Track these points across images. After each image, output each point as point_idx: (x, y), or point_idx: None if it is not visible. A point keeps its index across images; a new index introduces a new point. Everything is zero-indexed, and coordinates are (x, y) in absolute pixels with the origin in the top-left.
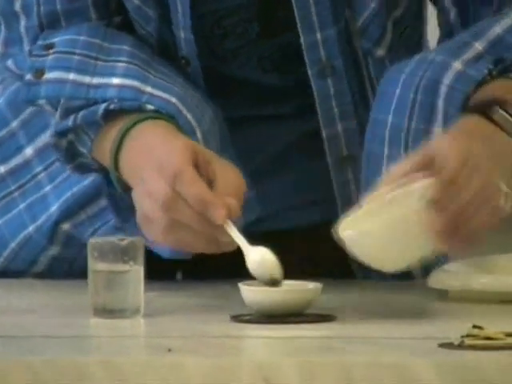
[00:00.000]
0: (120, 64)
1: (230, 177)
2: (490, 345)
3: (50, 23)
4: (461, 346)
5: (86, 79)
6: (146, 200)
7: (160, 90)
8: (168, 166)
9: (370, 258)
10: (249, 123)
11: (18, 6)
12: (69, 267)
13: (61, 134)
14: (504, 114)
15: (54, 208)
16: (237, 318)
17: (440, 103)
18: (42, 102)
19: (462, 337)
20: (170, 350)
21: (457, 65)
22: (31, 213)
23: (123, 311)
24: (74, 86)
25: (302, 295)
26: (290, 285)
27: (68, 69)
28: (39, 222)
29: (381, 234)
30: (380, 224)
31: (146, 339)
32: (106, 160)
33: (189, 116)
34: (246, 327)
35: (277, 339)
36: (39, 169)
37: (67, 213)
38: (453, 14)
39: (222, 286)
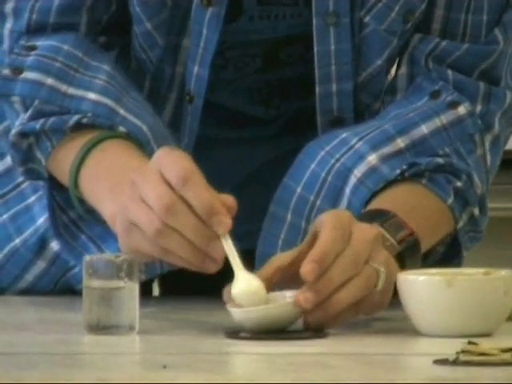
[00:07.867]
0: (98, 81)
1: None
2: (485, 361)
3: (37, 30)
4: (456, 363)
5: (63, 87)
6: (136, 204)
7: (133, 116)
8: (172, 171)
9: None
10: (228, 144)
11: (8, 8)
12: (53, 286)
13: (24, 134)
14: (381, 230)
15: (41, 221)
16: (231, 335)
17: (347, 191)
18: (15, 98)
19: (457, 353)
20: (165, 367)
21: (371, 159)
22: (16, 224)
23: (118, 328)
24: (50, 91)
25: (293, 308)
26: (280, 297)
27: (47, 73)
28: (25, 234)
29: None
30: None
31: (140, 356)
32: (61, 168)
33: (155, 147)
34: (241, 344)
35: (271, 356)
36: (22, 178)
37: None
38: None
39: (216, 302)
